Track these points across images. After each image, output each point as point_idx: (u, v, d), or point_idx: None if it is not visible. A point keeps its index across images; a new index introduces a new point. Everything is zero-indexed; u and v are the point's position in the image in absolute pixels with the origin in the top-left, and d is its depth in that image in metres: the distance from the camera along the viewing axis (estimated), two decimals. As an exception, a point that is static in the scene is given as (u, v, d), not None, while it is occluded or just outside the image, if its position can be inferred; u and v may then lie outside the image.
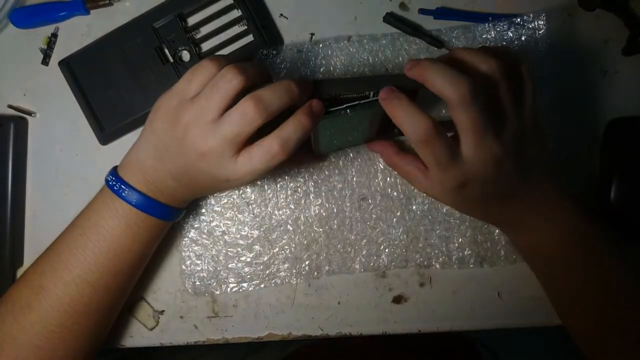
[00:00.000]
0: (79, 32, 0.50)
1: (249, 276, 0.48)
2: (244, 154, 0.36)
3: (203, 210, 0.49)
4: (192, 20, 0.49)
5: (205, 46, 0.49)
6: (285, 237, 0.48)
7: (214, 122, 0.35)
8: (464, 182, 0.36)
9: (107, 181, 0.41)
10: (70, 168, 0.50)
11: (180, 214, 0.44)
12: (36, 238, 0.50)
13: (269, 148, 0.35)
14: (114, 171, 0.41)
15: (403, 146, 0.47)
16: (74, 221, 0.42)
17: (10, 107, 0.50)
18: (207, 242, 0.48)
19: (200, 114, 0.35)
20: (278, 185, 0.48)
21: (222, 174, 0.36)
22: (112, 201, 0.40)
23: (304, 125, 0.35)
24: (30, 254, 0.50)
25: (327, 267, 0.48)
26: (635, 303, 0.39)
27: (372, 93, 0.37)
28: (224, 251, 0.48)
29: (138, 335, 0.49)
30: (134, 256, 0.42)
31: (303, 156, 0.46)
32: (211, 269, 0.48)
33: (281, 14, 0.50)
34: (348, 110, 0.37)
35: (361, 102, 0.37)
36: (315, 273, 0.48)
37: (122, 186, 0.40)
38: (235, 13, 0.49)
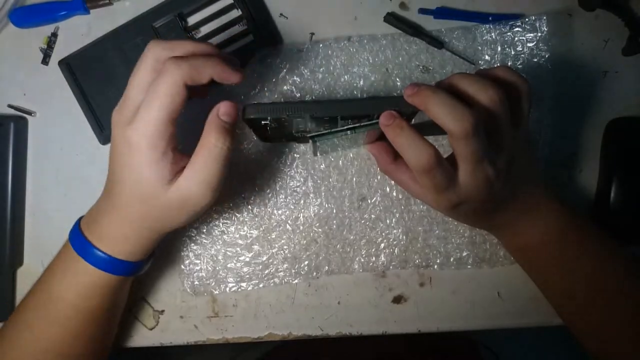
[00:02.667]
0: (79, 32, 0.50)
1: (247, 276, 0.48)
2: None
3: (203, 210, 0.49)
4: (192, 20, 0.49)
5: (205, 46, 0.49)
6: (284, 237, 0.48)
7: None
8: (458, 203, 0.37)
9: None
10: (70, 168, 0.50)
11: (123, 268, 0.39)
12: (36, 238, 0.50)
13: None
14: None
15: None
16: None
17: (10, 106, 0.50)
18: (206, 241, 0.48)
19: None
20: (277, 185, 0.48)
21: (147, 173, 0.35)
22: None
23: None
24: (30, 254, 0.50)
25: (326, 267, 0.48)
26: (626, 298, 0.40)
27: (373, 114, 0.37)
28: (223, 251, 0.48)
29: (138, 335, 0.49)
30: (75, 311, 0.40)
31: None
32: (210, 268, 0.48)
33: (281, 14, 0.50)
34: (349, 132, 0.38)
35: (362, 124, 0.37)
36: (315, 273, 0.48)
37: (74, 226, 0.40)
38: (235, 13, 0.49)
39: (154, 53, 0.35)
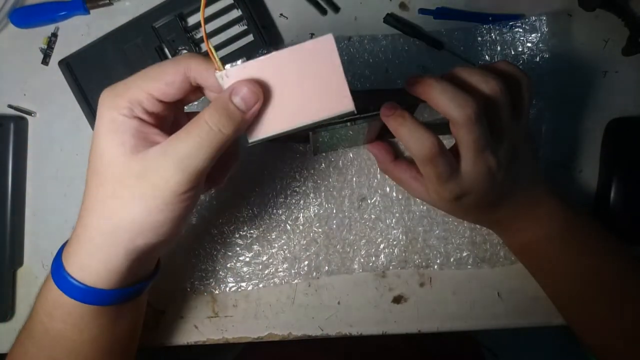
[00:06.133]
0: (79, 32, 0.50)
1: (247, 276, 0.48)
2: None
3: (202, 209, 0.49)
4: (192, 20, 0.49)
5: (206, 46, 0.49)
6: (284, 237, 0.48)
7: None
8: (460, 194, 0.37)
9: None
10: (70, 168, 0.50)
11: (91, 296, 0.32)
12: (36, 238, 0.50)
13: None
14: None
15: (398, 150, 0.47)
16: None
17: (10, 107, 0.50)
18: (205, 241, 0.48)
19: None
20: (277, 185, 0.48)
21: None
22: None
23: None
24: (30, 254, 0.50)
25: (326, 267, 0.48)
26: (628, 295, 0.40)
27: (372, 107, 0.37)
28: (223, 251, 0.48)
29: (138, 335, 0.49)
30: (55, 342, 0.35)
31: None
32: (210, 268, 0.48)
33: (281, 14, 0.50)
34: (349, 123, 0.37)
35: (362, 115, 0.37)
36: (315, 273, 0.48)
37: (60, 247, 0.35)
38: (235, 13, 0.49)
39: (186, 60, 0.30)
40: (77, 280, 0.32)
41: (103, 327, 0.36)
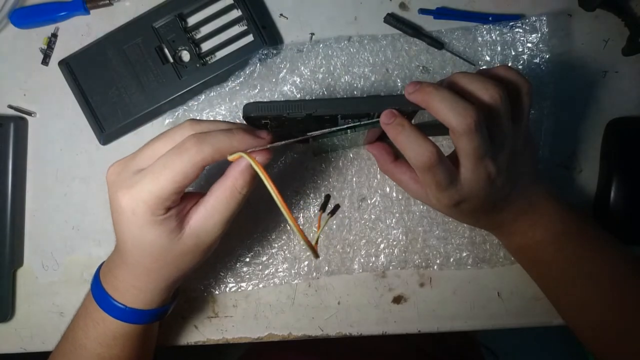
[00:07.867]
0: (79, 32, 0.50)
1: (247, 276, 0.48)
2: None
3: (203, 210, 0.49)
4: (192, 20, 0.49)
5: (205, 46, 0.49)
6: (284, 237, 0.48)
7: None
8: (460, 201, 0.37)
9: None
10: (70, 168, 0.50)
11: (141, 317, 0.39)
12: (36, 238, 0.50)
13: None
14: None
15: (398, 151, 0.47)
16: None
17: (10, 107, 0.50)
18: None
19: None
20: (277, 185, 0.48)
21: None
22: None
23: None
24: (30, 254, 0.50)
25: (326, 268, 0.48)
26: (628, 297, 0.40)
27: (373, 114, 0.37)
28: (223, 251, 0.48)
29: (138, 335, 0.49)
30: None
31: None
32: (210, 268, 0.48)
33: (281, 14, 0.50)
34: (349, 131, 0.38)
35: (362, 122, 0.37)
36: (314, 273, 0.48)
37: (95, 273, 0.40)
38: (235, 13, 0.49)
39: (186, 134, 0.33)
40: (134, 308, 0.38)
41: (148, 341, 0.43)
